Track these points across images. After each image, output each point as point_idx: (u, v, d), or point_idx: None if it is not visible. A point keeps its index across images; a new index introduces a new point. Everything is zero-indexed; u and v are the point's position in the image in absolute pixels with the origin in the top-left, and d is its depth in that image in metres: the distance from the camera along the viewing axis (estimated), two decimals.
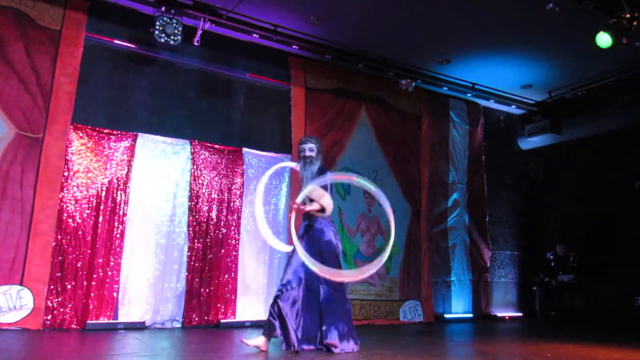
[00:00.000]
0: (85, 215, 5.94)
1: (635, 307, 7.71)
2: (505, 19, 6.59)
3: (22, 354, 4.10)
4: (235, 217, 6.79)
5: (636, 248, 7.97)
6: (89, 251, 5.89)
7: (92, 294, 5.80)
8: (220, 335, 5.57)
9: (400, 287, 8.01)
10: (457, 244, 8.71)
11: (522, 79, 8.47)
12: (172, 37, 6.16)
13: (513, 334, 6.98)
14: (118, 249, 6.04)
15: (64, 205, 5.83)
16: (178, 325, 6.18)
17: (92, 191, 6.02)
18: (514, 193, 9.81)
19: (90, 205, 5.99)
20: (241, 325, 6.41)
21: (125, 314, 5.95)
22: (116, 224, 6.08)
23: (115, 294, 5.94)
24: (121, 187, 6.16)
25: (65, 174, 5.87)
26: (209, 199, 6.67)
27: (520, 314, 9.16)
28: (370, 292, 7.71)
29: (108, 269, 5.95)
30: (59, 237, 5.75)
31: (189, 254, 6.40)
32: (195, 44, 6.50)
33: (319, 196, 4.24)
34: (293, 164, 4.92)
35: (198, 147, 6.71)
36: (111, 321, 5.81)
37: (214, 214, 6.66)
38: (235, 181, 6.90)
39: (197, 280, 6.39)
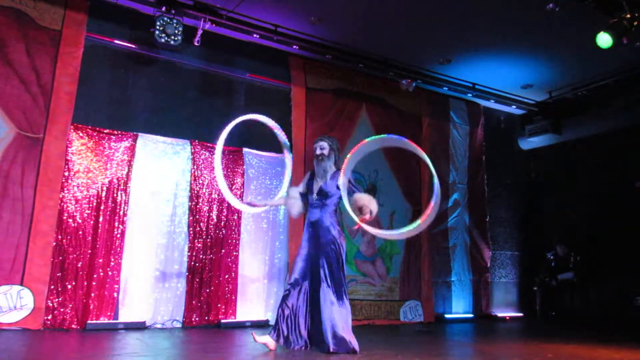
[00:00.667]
0: (85, 215, 5.94)
1: (635, 307, 7.71)
2: (506, 19, 6.59)
3: (22, 354, 4.10)
4: (236, 217, 6.79)
5: (636, 248, 7.97)
6: (90, 251, 5.89)
7: (92, 294, 5.80)
8: (221, 335, 5.57)
9: (400, 287, 8.01)
10: (457, 244, 8.71)
11: (523, 79, 8.47)
12: (173, 37, 6.17)
13: (513, 334, 6.98)
14: (118, 249, 6.04)
15: (65, 205, 5.83)
16: (178, 325, 6.18)
17: (93, 191, 6.02)
18: (515, 193, 9.81)
19: (91, 205, 5.99)
20: (242, 326, 6.41)
21: (126, 314, 5.95)
22: (116, 224, 6.08)
23: (115, 294, 5.93)
24: (121, 187, 6.16)
25: (66, 174, 5.87)
26: (210, 199, 6.67)
27: (521, 314, 9.16)
28: (370, 292, 7.71)
29: (108, 269, 5.95)
30: (60, 237, 5.75)
31: (189, 254, 6.40)
32: (196, 44, 6.50)
33: (368, 201, 4.22)
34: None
35: (198, 147, 6.71)
36: (111, 321, 5.81)
37: (214, 214, 6.66)
38: (235, 181, 6.90)
39: (197, 280, 6.39)
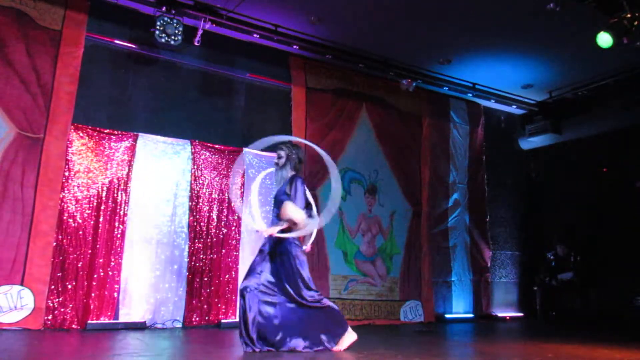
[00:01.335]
0: (85, 215, 5.95)
1: (635, 307, 7.71)
2: (506, 19, 6.59)
3: (22, 354, 4.10)
4: (236, 217, 6.79)
5: (636, 248, 7.97)
6: (90, 251, 5.89)
7: (92, 294, 5.80)
8: (221, 335, 5.57)
9: (400, 287, 8.01)
10: (457, 244, 8.71)
11: (523, 79, 8.47)
12: (173, 37, 6.17)
13: (514, 334, 6.98)
14: (119, 249, 6.04)
15: (65, 205, 5.84)
16: (179, 325, 6.18)
17: (93, 191, 6.02)
18: (515, 193, 9.81)
19: (91, 205, 5.99)
20: None
21: (126, 314, 5.95)
22: (117, 224, 6.09)
23: (115, 294, 5.94)
24: (122, 187, 6.17)
25: (66, 174, 5.87)
26: (210, 199, 6.67)
27: (521, 314, 9.16)
28: (370, 292, 7.71)
29: (109, 269, 5.95)
30: (60, 237, 5.75)
31: (189, 253, 6.41)
32: (196, 44, 6.51)
33: (284, 214, 4.21)
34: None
35: (199, 147, 6.71)
36: (112, 321, 5.81)
37: (214, 214, 6.67)
38: (235, 181, 6.90)
39: (197, 280, 6.39)
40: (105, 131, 6.21)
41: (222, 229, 6.68)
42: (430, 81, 8.32)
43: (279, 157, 4.60)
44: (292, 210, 4.18)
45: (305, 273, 4.24)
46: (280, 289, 4.20)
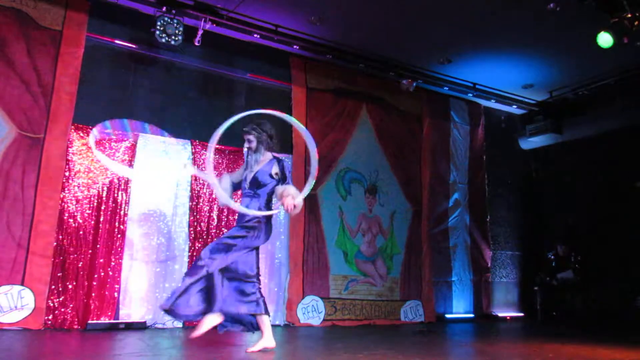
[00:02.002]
0: (86, 215, 5.95)
1: (636, 307, 7.70)
2: (506, 18, 6.59)
3: (23, 354, 4.10)
4: (236, 217, 6.78)
5: (636, 248, 7.96)
6: (90, 251, 5.89)
7: (93, 294, 5.80)
8: (222, 335, 5.56)
9: (401, 287, 8.01)
10: (458, 244, 8.71)
11: (523, 79, 8.47)
12: (173, 37, 6.17)
13: (514, 334, 6.98)
14: (119, 249, 6.05)
15: (65, 205, 5.84)
16: (179, 325, 6.19)
17: (93, 191, 6.02)
18: (515, 193, 9.80)
19: (91, 205, 6.00)
20: None
21: (126, 314, 5.96)
22: (117, 224, 6.09)
23: (116, 294, 5.94)
24: (122, 187, 6.17)
25: (67, 174, 5.88)
26: (210, 199, 6.67)
27: (522, 314, 9.16)
28: (371, 292, 7.71)
29: (109, 268, 5.96)
30: (60, 237, 5.76)
31: (190, 254, 6.41)
32: (196, 44, 6.50)
33: (287, 195, 4.12)
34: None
35: (199, 147, 6.72)
36: (112, 321, 5.81)
37: (214, 214, 6.67)
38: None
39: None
40: (106, 131, 6.20)
41: (223, 229, 6.68)
42: (431, 81, 8.32)
43: (249, 142, 4.47)
44: (296, 193, 4.13)
45: None
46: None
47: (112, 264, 5.98)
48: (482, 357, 4.68)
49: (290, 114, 7.46)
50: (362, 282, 7.67)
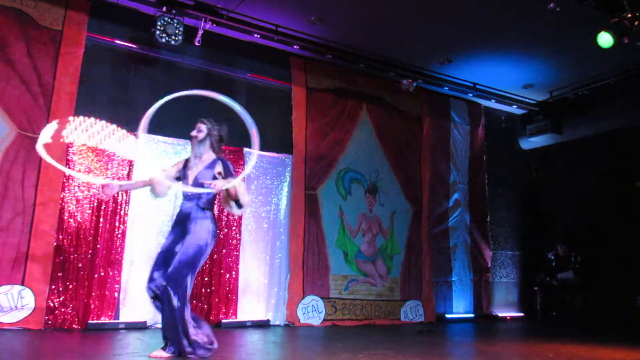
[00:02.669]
0: (86, 215, 5.95)
1: (636, 307, 7.70)
2: (507, 18, 6.59)
3: (23, 354, 4.10)
4: (237, 217, 6.79)
5: (636, 248, 7.96)
6: (90, 251, 5.89)
7: (93, 294, 5.80)
8: (222, 335, 5.56)
9: (401, 287, 8.01)
10: (458, 244, 8.71)
11: (524, 79, 8.47)
12: (173, 37, 6.17)
13: (514, 334, 6.99)
14: (119, 249, 6.05)
15: (65, 205, 5.84)
16: None
17: (93, 191, 6.02)
18: (515, 193, 9.80)
19: (92, 205, 6.00)
20: (242, 325, 6.41)
21: (127, 314, 5.95)
22: (117, 224, 6.09)
23: (116, 294, 5.94)
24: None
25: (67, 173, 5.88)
26: None
27: (522, 314, 9.16)
28: (371, 292, 7.71)
29: (109, 268, 5.95)
30: (60, 237, 5.76)
31: None
32: (196, 44, 6.51)
33: (237, 192, 4.02)
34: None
35: None
36: (112, 321, 5.82)
37: None
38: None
39: (198, 280, 6.38)
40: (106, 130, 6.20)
41: (223, 228, 6.68)
42: (431, 81, 8.32)
43: (199, 131, 4.40)
44: (245, 192, 4.07)
45: None
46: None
47: (112, 264, 5.97)
48: (482, 357, 4.68)
49: (291, 114, 7.51)
50: (362, 282, 7.67)
